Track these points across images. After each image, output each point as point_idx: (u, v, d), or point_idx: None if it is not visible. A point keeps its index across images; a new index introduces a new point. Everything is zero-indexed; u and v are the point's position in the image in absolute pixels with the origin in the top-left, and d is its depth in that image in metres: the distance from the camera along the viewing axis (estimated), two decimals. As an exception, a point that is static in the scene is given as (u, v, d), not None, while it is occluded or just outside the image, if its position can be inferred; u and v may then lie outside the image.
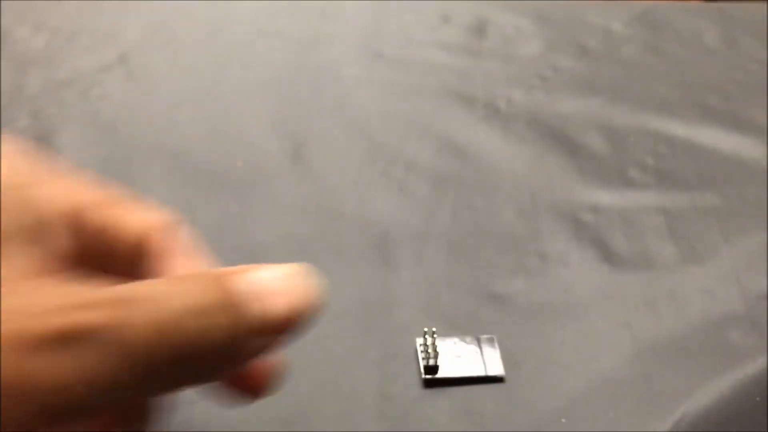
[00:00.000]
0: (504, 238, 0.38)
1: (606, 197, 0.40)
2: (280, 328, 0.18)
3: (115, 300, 0.16)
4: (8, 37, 0.53)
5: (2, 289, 0.16)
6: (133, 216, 0.22)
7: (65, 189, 0.21)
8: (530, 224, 0.39)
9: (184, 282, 0.18)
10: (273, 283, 0.19)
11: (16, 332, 0.15)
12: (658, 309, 0.35)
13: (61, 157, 0.43)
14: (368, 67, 0.50)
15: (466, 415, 0.31)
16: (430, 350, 0.32)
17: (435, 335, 0.32)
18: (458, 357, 0.32)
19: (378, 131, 0.45)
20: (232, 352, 0.18)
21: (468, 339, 0.33)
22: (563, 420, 0.31)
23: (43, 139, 0.44)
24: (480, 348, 0.33)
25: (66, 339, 0.15)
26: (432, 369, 0.32)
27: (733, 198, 0.40)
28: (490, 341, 0.33)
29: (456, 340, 0.33)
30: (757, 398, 0.31)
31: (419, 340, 0.33)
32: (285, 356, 0.22)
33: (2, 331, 0.15)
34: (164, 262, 0.22)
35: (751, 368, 0.32)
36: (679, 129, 0.45)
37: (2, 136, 0.23)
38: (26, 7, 0.55)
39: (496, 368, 0.32)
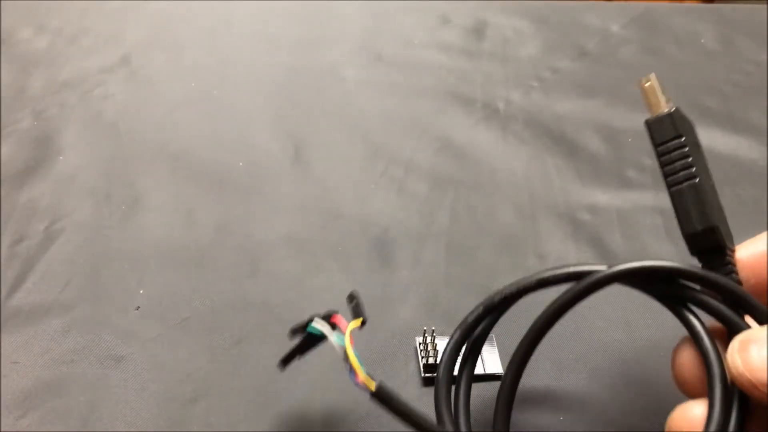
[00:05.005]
0: (502, 237, 0.39)
1: (604, 197, 0.41)
2: None
3: None
4: (11, 38, 0.53)
5: None
6: None
7: None
8: (528, 224, 0.39)
9: None
10: None
11: None
12: (656, 308, 0.35)
13: (63, 157, 0.44)
14: (368, 68, 0.50)
15: (465, 413, 0.31)
16: (429, 349, 0.32)
17: (434, 334, 0.32)
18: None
19: (378, 132, 0.45)
20: None
21: (467, 338, 0.33)
22: (561, 418, 0.31)
23: (45, 139, 0.45)
24: (479, 347, 0.33)
25: None
26: (431, 367, 0.32)
27: (731, 199, 0.41)
28: (489, 340, 0.33)
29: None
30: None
31: (418, 339, 0.33)
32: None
33: None
34: None
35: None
36: (676, 130, 0.45)
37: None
38: (29, 8, 0.56)
39: (494, 366, 0.32)
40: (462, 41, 0.52)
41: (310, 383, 0.32)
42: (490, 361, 0.32)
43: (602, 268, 0.26)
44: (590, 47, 0.51)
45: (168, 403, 0.31)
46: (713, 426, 0.23)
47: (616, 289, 0.36)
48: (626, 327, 0.34)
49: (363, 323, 0.28)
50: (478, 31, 0.53)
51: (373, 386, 0.25)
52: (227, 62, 0.51)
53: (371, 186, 0.42)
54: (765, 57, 0.50)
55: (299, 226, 0.39)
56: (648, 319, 0.35)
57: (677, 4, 0.56)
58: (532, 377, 0.32)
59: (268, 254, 0.38)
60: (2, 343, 0.33)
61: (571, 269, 0.27)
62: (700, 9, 0.56)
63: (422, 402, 0.31)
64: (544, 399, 0.31)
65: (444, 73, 0.49)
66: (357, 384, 0.25)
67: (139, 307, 0.35)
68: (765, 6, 0.55)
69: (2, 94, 0.48)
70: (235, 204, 0.41)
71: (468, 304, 0.32)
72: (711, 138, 0.44)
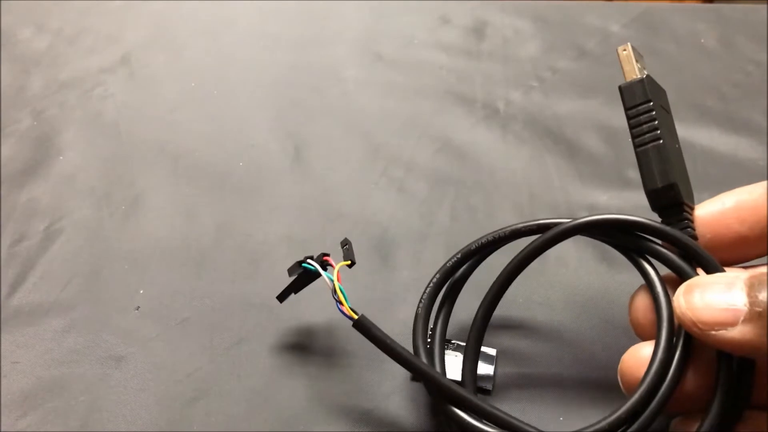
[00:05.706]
0: (502, 238, 0.39)
1: (603, 197, 0.41)
2: None
3: None
4: (11, 37, 0.53)
5: None
6: None
7: None
8: (529, 224, 0.39)
9: None
10: None
11: None
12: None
13: (63, 157, 0.44)
14: (368, 68, 0.50)
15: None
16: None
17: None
18: (457, 357, 0.33)
19: (378, 132, 0.45)
20: None
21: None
22: (561, 418, 0.31)
23: (45, 139, 0.45)
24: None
25: None
26: (431, 367, 0.32)
27: (730, 198, 0.41)
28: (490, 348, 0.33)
29: (456, 341, 0.33)
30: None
31: (419, 339, 0.33)
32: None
33: None
34: None
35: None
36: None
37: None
38: (29, 8, 0.56)
39: (486, 382, 0.32)
40: (462, 41, 0.52)
41: (310, 382, 0.32)
42: (483, 371, 0.32)
43: (568, 220, 0.29)
44: (590, 47, 0.51)
45: (168, 403, 0.31)
46: (657, 361, 0.26)
47: (613, 287, 0.36)
48: (624, 326, 0.34)
49: (351, 264, 0.31)
50: (478, 31, 0.53)
51: (355, 316, 0.28)
52: (227, 62, 0.51)
53: (371, 186, 0.42)
54: (765, 57, 0.50)
55: (299, 226, 0.39)
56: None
57: (677, 4, 0.56)
58: (530, 375, 0.32)
59: (268, 254, 0.38)
60: (2, 343, 0.33)
61: (541, 221, 0.30)
62: (700, 9, 0.56)
63: (424, 402, 0.31)
64: (543, 397, 0.32)
65: (444, 73, 0.49)
66: (343, 313, 0.28)
67: (139, 307, 0.35)
68: (765, 6, 0.55)
69: (2, 94, 0.48)
70: (235, 204, 0.41)
71: (468, 304, 0.32)
72: (711, 138, 0.44)
